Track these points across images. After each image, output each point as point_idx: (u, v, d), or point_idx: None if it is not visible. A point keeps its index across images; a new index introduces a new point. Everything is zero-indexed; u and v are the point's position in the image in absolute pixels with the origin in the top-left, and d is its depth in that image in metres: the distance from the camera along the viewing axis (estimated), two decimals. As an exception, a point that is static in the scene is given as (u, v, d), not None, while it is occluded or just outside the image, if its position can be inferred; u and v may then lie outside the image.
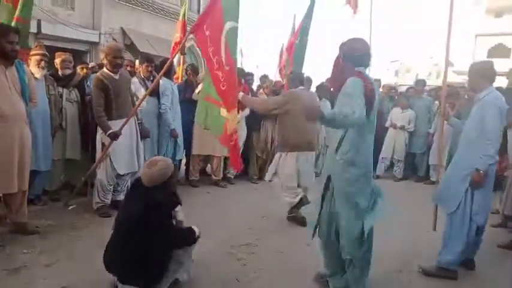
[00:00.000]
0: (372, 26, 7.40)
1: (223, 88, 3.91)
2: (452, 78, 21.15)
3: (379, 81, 7.83)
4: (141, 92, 4.69)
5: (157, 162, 2.54)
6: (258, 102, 4.82)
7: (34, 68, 3.95)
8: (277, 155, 4.30)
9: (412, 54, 26.49)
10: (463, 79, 19.88)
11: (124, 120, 4.00)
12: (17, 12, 3.67)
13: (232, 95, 3.98)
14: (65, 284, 2.70)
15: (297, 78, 4.44)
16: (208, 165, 5.91)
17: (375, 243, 2.60)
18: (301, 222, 4.11)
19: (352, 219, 2.45)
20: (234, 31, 3.94)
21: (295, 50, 6.19)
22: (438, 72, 23.92)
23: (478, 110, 3.03)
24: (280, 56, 8.82)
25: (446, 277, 3.07)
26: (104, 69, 4.07)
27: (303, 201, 4.14)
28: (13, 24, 3.59)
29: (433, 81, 16.47)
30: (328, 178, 2.58)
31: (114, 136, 3.89)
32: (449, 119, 3.46)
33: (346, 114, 2.15)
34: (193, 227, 2.71)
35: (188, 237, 2.60)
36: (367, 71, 2.58)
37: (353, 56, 2.50)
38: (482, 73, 3.10)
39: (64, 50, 5.40)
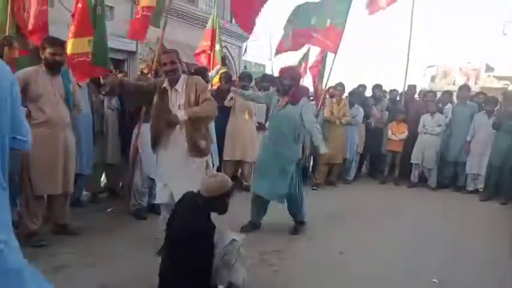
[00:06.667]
0: (412, 30, 7.03)
1: None
2: (493, 84, 20.21)
3: (414, 87, 7.58)
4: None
5: (218, 175, 2.75)
6: None
7: (78, 76, 4.15)
8: None
9: (449, 59, 25.47)
10: (504, 84, 18.97)
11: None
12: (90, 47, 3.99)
13: None
14: (104, 283, 2.80)
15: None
16: (240, 170, 5.96)
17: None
18: None
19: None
20: None
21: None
22: (477, 78, 22.95)
23: None
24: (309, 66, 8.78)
25: None
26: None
27: None
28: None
29: (472, 87, 15.75)
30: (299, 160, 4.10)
31: None
32: None
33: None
34: (234, 234, 2.69)
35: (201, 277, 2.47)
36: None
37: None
38: None
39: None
